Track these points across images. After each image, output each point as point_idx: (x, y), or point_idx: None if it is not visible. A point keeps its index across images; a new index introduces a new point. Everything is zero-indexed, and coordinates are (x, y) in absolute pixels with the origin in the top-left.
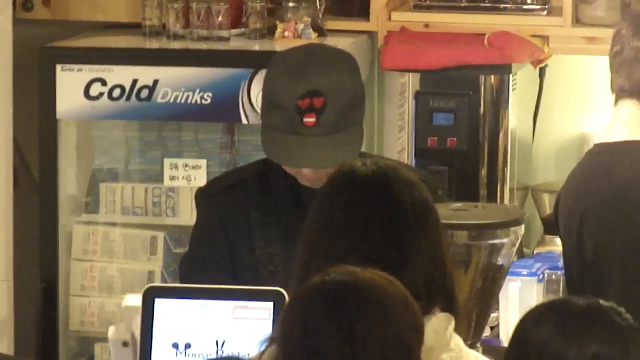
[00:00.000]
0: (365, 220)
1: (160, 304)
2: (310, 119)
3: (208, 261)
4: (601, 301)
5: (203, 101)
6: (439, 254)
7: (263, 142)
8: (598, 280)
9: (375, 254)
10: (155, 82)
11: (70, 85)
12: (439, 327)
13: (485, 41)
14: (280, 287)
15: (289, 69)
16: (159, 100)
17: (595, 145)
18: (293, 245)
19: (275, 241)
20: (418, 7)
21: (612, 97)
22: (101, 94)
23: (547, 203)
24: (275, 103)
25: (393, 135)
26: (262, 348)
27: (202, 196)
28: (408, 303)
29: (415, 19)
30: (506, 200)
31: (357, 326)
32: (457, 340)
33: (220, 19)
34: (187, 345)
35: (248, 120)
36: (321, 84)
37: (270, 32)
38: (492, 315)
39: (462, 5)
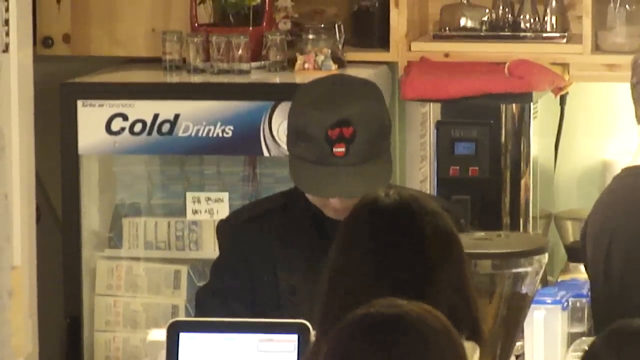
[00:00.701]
0: (388, 251)
1: (184, 338)
2: (340, 149)
3: (229, 292)
4: None
5: (224, 134)
6: (463, 283)
7: (292, 173)
8: (627, 303)
9: (398, 284)
10: (177, 116)
11: (92, 121)
12: None
13: (506, 70)
14: (304, 318)
15: (316, 100)
16: (181, 134)
17: (623, 170)
18: (316, 276)
19: (298, 273)
20: (438, 37)
21: (637, 127)
22: (122, 129)
23: (570, 230)
24: (304, 134)
25: (415, 165)
26: None
27: (225, 228)
28: (451, 336)
29: (435, 48)
30: (529, 229)
31: (397, 355)
32: None
33: (240, 52)
34: None
35: (270, 153)
36: (350, 114)
37: (290, 64)
38: (518, 344)
39: (482, 34)
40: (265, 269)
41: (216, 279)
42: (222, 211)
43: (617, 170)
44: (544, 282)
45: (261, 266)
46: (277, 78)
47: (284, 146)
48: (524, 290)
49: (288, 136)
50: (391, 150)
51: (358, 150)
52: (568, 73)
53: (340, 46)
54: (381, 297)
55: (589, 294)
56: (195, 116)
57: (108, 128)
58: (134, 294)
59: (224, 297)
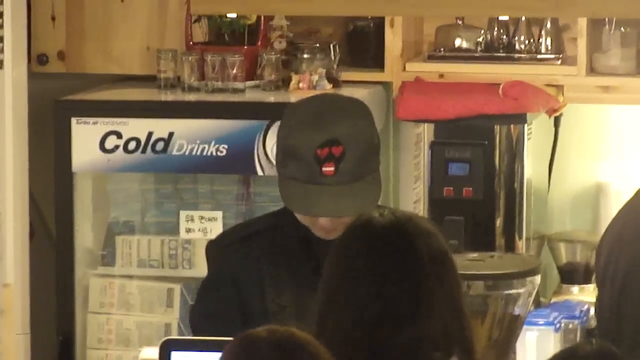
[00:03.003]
0: (383, 270)
1: (177, 357)
2: (329, 168)
3: (218, 314)
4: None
5: (219, 153)
6: (456, 303)
7: (281, 193)
8: (623, 310)
9: (393, 304)
10: (171, 134)
11: (86, 139)
12: None
13: (500, 91)
14: None
15: (305, 119)
16: (175, 152)
17: None
18: (305, 297)
19: (287, 293)
20: (432, 58)
21: None
22: (117, 146)
23: (563, 252)
24: (293, 153)
25: (409, 185)
26: None
27: (213, 248)
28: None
29: (429, 69)
30: (522, 250)
31: None
32: None
33: (235, 71)
34: None
35: (264, 172)
36: (340, 133)
37: (285, 83)
38: None
39: (477, 55)
40: (253, 290)
41: (205, 300)
42: (216, 230)
43: (611, 192)
44: (537, 304)
45: (250, 287)
46: (271, 97)
47: None
48: (516, 311)
49: (277, 156)
50: (385, 169)
51: (347, 169)
52: (562, 95)
53: (335, 66)
54: (375, 316)
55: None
56: (189, 134)
57: (102, 146)
58: (126, 312)
59: (213, 319)
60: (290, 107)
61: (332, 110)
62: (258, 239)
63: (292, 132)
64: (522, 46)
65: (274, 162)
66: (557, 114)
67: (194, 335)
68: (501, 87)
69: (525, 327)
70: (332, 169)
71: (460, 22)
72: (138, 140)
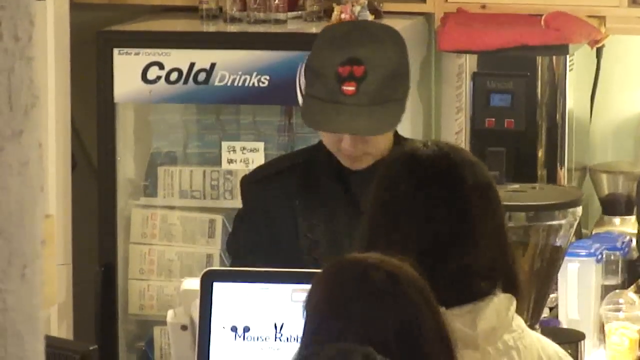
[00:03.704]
0: (430, 200)
1: (218, 287)
2: (349, 88)
3: (251, 246)
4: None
5: (260, 84)
6: (501, 234)
7: (302, 111)
8: None
9: (440, 234)
10: (213, 65)
11: (128, 69)
12: (501, 308)
13: (542, 22)
14: None
15: (332, 39)
16: (217, 83)
17: None
18: (338, 231)
19: (320, 227)
20: None
21: None
22: (159, 77)
23: (605, 183)
24: (317, 72)
25: (450, 116)
26: None
27: (247, 183)
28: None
29: (471, 0)
30: (564, 181)
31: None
32: (518, 321)
33: (277, 1)
34: (246, 329)
35: None
36: (363, 54)
37: (327, 14)
38: (551, 296)
39: None
40: (286, 224)
41: (240, 232)
42: (258, 160)
43: None
44: (578, 235)
45: (282, 221)
46: (313, 28)
47: None
48: (557, 242)
49: (305, 75)
50: (427, 101)
51: (368, 90)
52: (604, 26)
53: None
54: (423, 246)
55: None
56: (231, 65)
57: (144, 76)
58: (168, 243)
59: (245, 252)
60: (323, 30)
61: (360, 32)
62: (291, 174)
63: (318, 52)
64: None
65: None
66: (599, 45)
67: (234, 264)
68: (543, 18)
69: (566, 258)
70: (352, 88)
71: None
72: (180, 71)
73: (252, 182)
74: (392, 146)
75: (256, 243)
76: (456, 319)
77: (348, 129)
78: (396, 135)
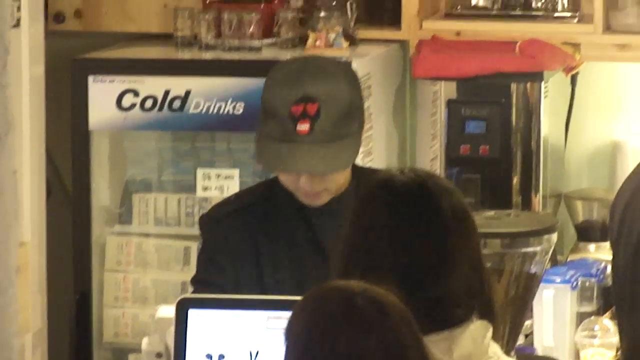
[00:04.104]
0: (406, 228)
1: (193, 314)
2: (303, 126)
3: (215, 287)
4: None
5: (235, 111)
6: (477, 260)
7: (256, 150)
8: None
9: (416, 261)
10: (188, 92)
11: (103, 97)
12: (477, 335)
13: (517, 49)
14: None
15: (284, 77)
16: (192, 110)
17: None
18: (302, 270)
19: (284, 266)
20: (449, 16)
21: None
22: (133, 104)
23: (580, 210)
24: (270, 111)
25: (426, 143)
26: None
27: (207, 221)
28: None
29: (446, 27)
30: (539, 208)
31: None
32: (494, 348)
33: (251, 29)
34: (221, 356)
35: None
36: (315, 91)
37: (302, 41)
38: (527, 322)
39: (493, 13)
40: (249, 263)
41: (203, 272)
42: (233, 188)
43: (628, 150)
44: (554, 262)
45: (245, 260)
46: (288, 55)
47: None
48: (532, 269)
49: (259, 114)
50: (401, 128)
51: (322, 129)
52: (579, 53)
53: (352, 24)
54: (399, 274)
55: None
56: (206, 92)
57: (119, 104)
58: (143, 270)
59: (212, 290)
60: (274, 67)
61: (311, 69)
62: (252, 212)
63: (270, 90)
64: (539, 4)
65: None
66: (574, 72)
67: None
68: (518, 45)
69: (542, 285)
70: (306, 127)
71: None
72: (155, 99)
73: (212, 221)
74: (350, 178)
75: (218, 285)
76: (432, 346)
77: (304, 169)
78: (353, 167)
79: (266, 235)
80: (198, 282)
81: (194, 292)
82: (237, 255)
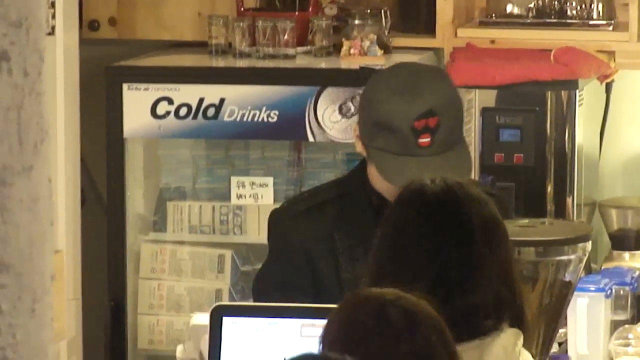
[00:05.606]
0: (434, 238)
1: (228, 322)
2: (425, 140)
3: (291, 285)
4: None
5: (269, 119)
6: (507, 270)
7: (378, 166)
8: None
9: (445, 272)
10: (222, 100)
11: (137, 104)
12: (507, 343)
13: (552, 57)
14: None
15: (397, 90)
16: (226, 118)
17: None
18: None
19: (361, 262)
20: (484, 24)
21: None
22: (168, 112)
23: (615, 218)
24: (387, 125)
25: None
26: None
27: (281, 218)
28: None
29: (481, 35)
30: (573, 216)
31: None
32: (525, 356)
33: (286, 37)
34: None
35: (315, 138)
36: (435, 104)
37: (336, 49)
38: (561, 331)
39: (528, 21)
40: (326, 260)
41: (275, 270)
42: (267, 196)
43: None
44: (588, 270)
45: (322, 258)
46: (322, 63)
47: (329, 132)
48: (567, 277)
49: (364, 127)
50: None
51: (441, 139)
52: (614, 61)
53: (386, 32)
54: (429, 283)
55: (633, 282)
56: (240, 101)
57: (153, 112)
58: (177, 278)
59: (285, 290)
60: (376, 79)
61: (425, 80)
62: (327, 209)
63: (385, 104)
64: (574, 12)
65: (325, 128)
66: (609, 80)
67: (257, 301)
68: (552, 53)
69: (576, 293)
70: (427, 140)
71: None
72: (189, 106)
73: (285, 218)
74: None
75: (296, 282)
76: (464, 355)
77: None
78: None
79: (342, 231)
80: (276, 283)
81: (264, 292)
82: (313, 252)
